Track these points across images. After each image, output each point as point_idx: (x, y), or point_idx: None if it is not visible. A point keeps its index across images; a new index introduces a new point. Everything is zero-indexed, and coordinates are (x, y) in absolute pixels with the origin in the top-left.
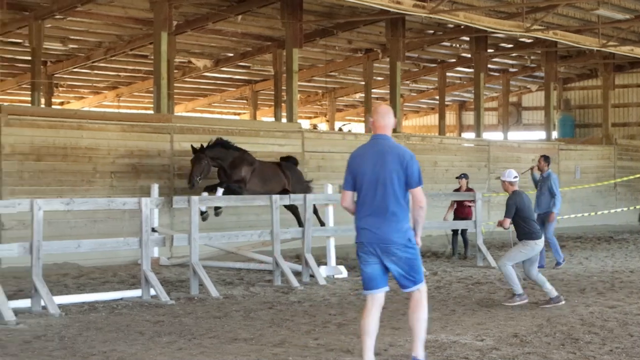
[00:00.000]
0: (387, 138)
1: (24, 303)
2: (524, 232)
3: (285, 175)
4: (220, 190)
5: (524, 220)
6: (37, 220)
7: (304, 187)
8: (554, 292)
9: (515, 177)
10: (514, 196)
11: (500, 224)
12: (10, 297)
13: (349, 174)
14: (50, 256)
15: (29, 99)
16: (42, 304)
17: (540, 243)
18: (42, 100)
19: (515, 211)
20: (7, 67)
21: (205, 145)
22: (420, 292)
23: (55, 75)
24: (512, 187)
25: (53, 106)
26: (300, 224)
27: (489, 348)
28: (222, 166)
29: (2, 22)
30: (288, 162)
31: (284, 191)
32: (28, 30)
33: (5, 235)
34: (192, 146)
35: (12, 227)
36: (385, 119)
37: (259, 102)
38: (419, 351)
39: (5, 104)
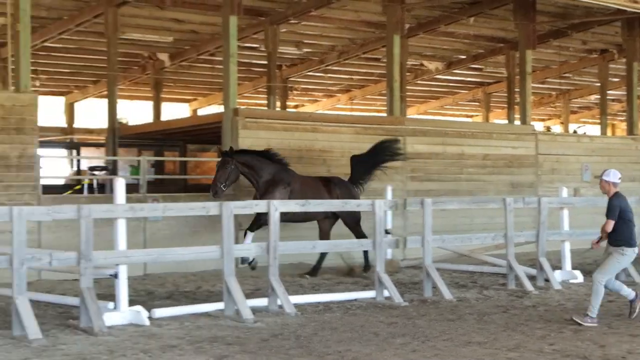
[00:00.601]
0: None
1: (261, 302)
2: (623, 238)
3: (332, 193)
4: (250, 236)
5: (626, 223)
6: (274, 221)
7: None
8: (632, 293)
9: (620, 178)
10: (617, 197)
11: (603, 233)
12: (248, 295)
13: None
14: (286, 256)
15: (265, 102)
16: (279, 303)
17: (637, 251)
18: (278, 104)
19: (619, 213)
20: (244, 71)
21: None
22: None
23: (290, 78)
24: (615, 188)
25: (288, 109)
26: (359, 235)
27: None
28: (253, 180)
29: (240, 27)
30: (341, 180)
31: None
32: (264, 35)
33: (243, 235)
34: (218, 148)
35: None
36: None
37: (491, 104)
38: None
39: (242, 107)
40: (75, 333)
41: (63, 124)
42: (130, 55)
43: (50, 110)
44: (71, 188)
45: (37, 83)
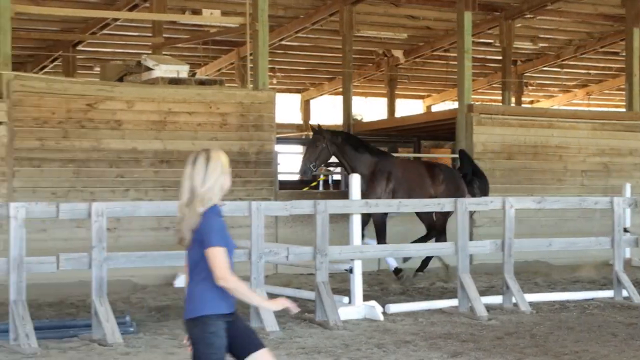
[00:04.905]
0: None
1: (495, 299)
2: None
3: (434, 181)
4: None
5: None
6: (508, 217)
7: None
8: None
9: None
10: None
11: None
12: (482, 293)
13: None
14: (520, 254)
15: (500, 98)
16: (513, 300)
17: None
18: (512, 99)
19: None
20: (479, 67)
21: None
22: None
23: (525, 74)
24: None
25: (523, 105)
26: (427, 237)
27: None
28: (345, 164)
29: (474, 23)
30: (447, 167)
31: None
32: (499, 30)
33: (477, 232)
34: (310, 125)
35: (484, 225)
36: None
37: None
38: None
39: (477, 103)
40: (311, 326)
41: (299, 120)
42: (365, 53)
43: (286, 107)
44: (307, 184)
45: (275, 81)
